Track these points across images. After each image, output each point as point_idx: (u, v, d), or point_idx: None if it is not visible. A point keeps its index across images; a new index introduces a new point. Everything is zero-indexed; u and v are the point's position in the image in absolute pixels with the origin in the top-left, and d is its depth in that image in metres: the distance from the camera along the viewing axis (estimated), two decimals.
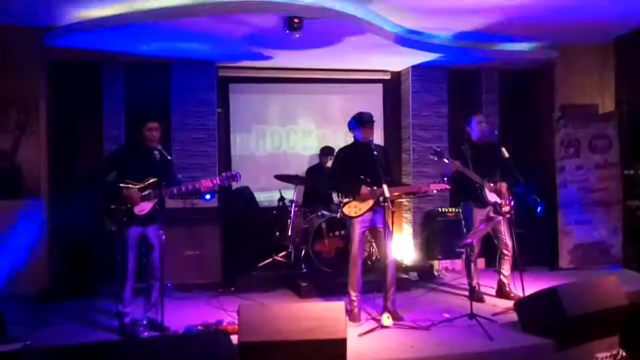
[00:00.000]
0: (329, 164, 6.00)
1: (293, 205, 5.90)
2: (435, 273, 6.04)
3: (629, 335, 3.86)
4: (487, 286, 5.18)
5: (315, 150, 6.64)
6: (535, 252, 6.00)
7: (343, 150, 4.71)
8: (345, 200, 4.46)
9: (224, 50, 5.78)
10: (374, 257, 5.73)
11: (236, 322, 3.54)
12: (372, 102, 6.85)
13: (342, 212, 4.51)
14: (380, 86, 7.10)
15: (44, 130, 5.35)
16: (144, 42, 5.34)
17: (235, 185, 5.98)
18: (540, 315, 3.99)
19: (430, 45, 5.80)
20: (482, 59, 6.35)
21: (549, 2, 4.83)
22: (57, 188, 5.58)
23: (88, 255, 5.54)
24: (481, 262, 5.82)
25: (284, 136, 6.88)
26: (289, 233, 5.85)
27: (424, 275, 5.86)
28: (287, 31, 4.82)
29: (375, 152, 4.40)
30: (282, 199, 6.16)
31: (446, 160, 4.81)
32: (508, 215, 4.85)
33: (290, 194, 6.04)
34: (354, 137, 4.60)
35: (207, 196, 5.57)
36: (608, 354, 3.90)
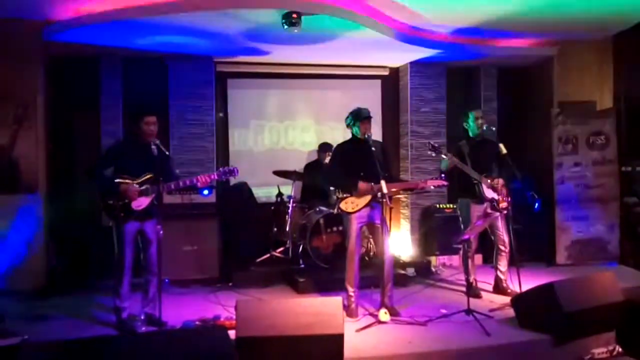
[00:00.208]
0: (327, 159, 5.99)
1: (291, 201, 5.91)
2: (433, 269, 6.05)
3: (625, 331, 3.90)
4: (485, 282, 5.19)
5: (314, 146, 6.64)
6: (533, 248, 6.02)
7: (341, 146, 4.70)
8: (342, 196, 4.46)
9: (221, 45, 5.76)
10: (371, 253, 5.74)
11: (234, 317, 3.54)
12: (371, 97, 6.84)
13: (339, 208, 4.51)
14: (378, 82, 7.10)
15: (41, 125, 5.34)
16: (142, 37, 5.33)
17: (233, 180, 5.98)
18: (537, 311, 4.01)
19: (429, 41, 5.79)
20: (480, 55, 6.34)
21: None
22: (55, 183, 5.58)
23: (85, 250, 5.54)
24: (478, 258, 5.83)
25: (282, 132, 6.87)
26: (287, 229, 5.85)
27: (422, 271, 5.87)
28: (286, 27, 4.81)
29: (373, 148, 4.39)
30: (280, 194, 6.16)
31: (444, 156, 4.82)
32: (505, 212, 4.86)
33: (288, 189, 6.04)
34: (352, 133, 4.59)
35: (205, 191, 5.57)
36: (604, 349, 3.92)
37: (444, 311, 4.42)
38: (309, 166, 6.48)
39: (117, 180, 4.07)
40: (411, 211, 6.76)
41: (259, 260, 5.85)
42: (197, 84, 6.26)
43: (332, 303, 3.50)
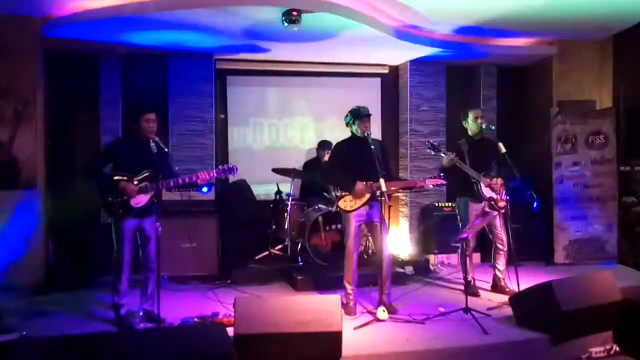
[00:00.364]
0: (327, 158, 5.99)
1: (290, 198, 5.91)
2: (432, 267, 6.06)
3: (623, 330, 3.91)
4: (483, 281, 5.20)
5: (313, 144, 6.64)
6: (531, 248, 6.03)
7: (340, 144, 4.70)
8: (341, 194, 4.46)
9: (222, 42, 5.76)
10: (370, 251, 5.74)
11: (232, 314, 3.55)
12: (371, 96, 6.84)
13: (338, 206, 4.51)
14: (378, 80, 7.09)
15: (41, 122, 5.33)
16: (141, 33, 5.32)
17: (232, 178, 5.97)
18: (535, 310, 4.02)
19: (429, 39, 5.79)
20: (480, 54, 6.34)
21: None
22: (54, 179, 5.57)
23: (84, 247, 5.54)
24: (477, 257, 5.84)
25: (281, 130, 6.87)
26: (286, 226, 5.85)
27: (420, 270, 5.87)
28: (286, 24, 4.81)
29: (372, 147, 4.39)
30: (279, 192, 6.16)
31: (443, 155, 4.82)
32: (504, 211, 4.87)
33: (288, 187, 6.04)
34: (352, 131, 4.59)
35: (205, 189, 5.54)
36: (602, 349, 3.93)
37: (442, 310, 4.43)
38: (308, 164, 6.48)
39: (116, 178, 4.07)
40: (410, 210, 6.76)
41: (257, 258, 5.86)
42: (197, 81, 6.25)
43: (331, 301, 3.51)
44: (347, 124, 4.60)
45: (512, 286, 4.84)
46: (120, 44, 5.65)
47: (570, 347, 3.88)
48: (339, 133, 6.23)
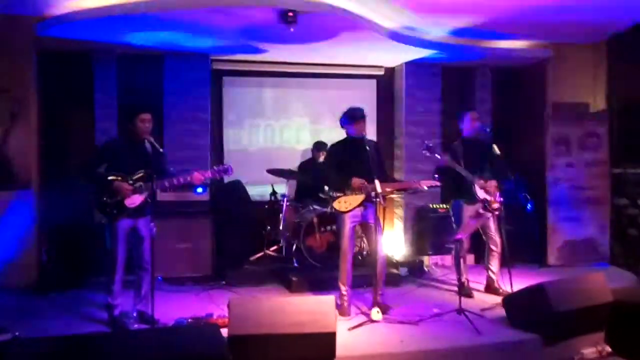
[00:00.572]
0: (322, 158, 6.01)
1: (285, 199, 5.91)
2: (425, 268, 6.08)
3: (615, 331, 3.93)
4: (476, 282, 5.22)
5: (308, 145, 6.64)
6: (524, 249, 6.04)
7: (335, 145, 4.71)
8: (336, 195, 4.47)
9: (217, 43, 5.75)
10: (364, 252, 5.75)
11: (226, 315, 3.54)
12: (366, 97, 6.85)
13: (332, 207, 4.52)
14: (373, 82, 7.10)
15: (35, 121, 5.32)
16: (136, 33, 5.31)
17: (227, 178, 5.97)
18: (528, 311, 4.04)
19: (424, 41, 5.81)
20: (475, 56, 6.37)
21: (543, 0, 4.86)
22: (48, 179, 5.55)
23: (78, 247, 5.52)
24: (470, 259, 5.86)
25: (277, 130, 6.87)
26: (281, 227, 5.86)
27: (414, 271, 5.90)
28: (282, 25, 4.81)
29: (367, 148, 4.41)
30: (274, 193, 6.16)
31: (438, 156, 4.84)
32: (497, 212, 4.89)
33: (283, 188, 6.04)
34: (347, 132, 4.60)
35: (199, 189, 5.57)
36: (593, 349, 3.96)
37: (436, 310, 4.44)
38: (303, 165, 6.48)
39: (110, 177, 4.06)
40: (404, 211, 6.77)
41: (252, 258, 5.86)
42: (193, 82, 6.23)
43: (325, 302, 3.52)
44: (342, 125, 4.61)
45: (505, 287, 4.87)
46: (115, 44, 5.64)
47: (562, 347, 3.90)
48: (334, 134, 6.24)
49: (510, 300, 4.30)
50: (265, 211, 6.17)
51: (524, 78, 7.00)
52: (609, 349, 3.95)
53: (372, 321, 4.18)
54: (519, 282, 4.70)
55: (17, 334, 3.75)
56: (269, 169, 6.00)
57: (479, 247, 5.53)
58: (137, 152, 4.13)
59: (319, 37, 5.52)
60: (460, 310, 4.26)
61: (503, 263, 4.98)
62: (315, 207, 5.76)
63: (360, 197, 4.41)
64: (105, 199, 4.06)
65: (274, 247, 5.98)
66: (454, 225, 5.07)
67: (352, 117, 4.51)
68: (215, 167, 4.28)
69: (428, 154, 4.86)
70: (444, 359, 3.75)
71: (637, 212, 6.25)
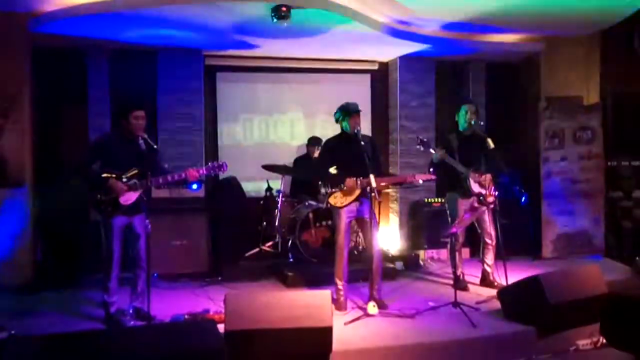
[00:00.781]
0: (317, 154, 6.01)
1: (280, 195, 5.91)
2: (421, 262, 6.10)
3: (609, 322, 3.96)
4: (472, 275, 5.25)
5: (303, 140, 6.64)
6: (519, 242, 6.07)
7: (330, 140, 4.71)
8: (331, 190, 4.47)
9: (210, 38, 5.73)
10: (360, 247, 5.76)
11: (222, 311, 3.55)
12: (360, 92, 6.85)
13: (328, 202, 4.52)
14: (368, 76, 7.10)
15: (28, 119, 5.28)
16: (129, 29, 5.28)
17: (222, 175, 5.95)
18: (523, 303, 4.06)
19: (418, 35, 5.81)
20: (468, 50, 6.38)
21: None
22: (42, 177, 5.52)
23: (73, 245, 5.50)
24: (466, 252, 5.87)
25: (271, 126, 6.86)
26: (276, 223, 5.86)
27: (410, 265, 5.92)
28: (275, 20, 4.80)
29: (362, 143, 4.40)
30: (269, 189, 6.16)
31: (432, 150, 4.85)
32: (492, 206, 4.90)
33: (278, 184, 6.04)
34: (341, 127, 4.60)
35: (194, 186, 5.55)
36: (588, 341, 3.99)
37: (431, 304, 4.46)
38: (298, 160, 6.48)
39: (104, 175, 4.04)
40: (400, 205, 6.79)
41: (248, 254, 5.86)
42: (186, 78, 6.22)
43: (321, 296, 3.52)
44: (337, 120, 4.60)
45: (501, 280, 4.88)
46: (108, 40, 5.60)
47: (557, 339, 3.93)
48: (328, 129, 6.27)
49: (505, 293, 4.33)
50: (260, 207, 6.17)
51: (517, 71, 7.01)
52: (603, 340, 3.98)
53: (368, 315, 4.20)
54: (513, 275, 4.72)
55: (13, 332, 3.74)
56: (264, 165, 6.00)
57: (474, 240, 5.55)
58: (131, 149, 4.11)
59: (312, 32, 5.50)
60: (456, 303, 4.28)
61: (498, 256, 5.00)
62: (311, 202, 5.76)
63: (355, 192, 4.41)
64: (99, 196, 4.04)
65: (270, 243, 5.99)
66: (449, 219, 5.08)
67: (346, 112, 4.50)
68: (210, 164, 4.27)
69: (422, 149, 4.87)
70: (440, 351, 3.77)
71: (631, 205, 6.30)
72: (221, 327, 3.32)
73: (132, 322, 4.13)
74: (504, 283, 4.72)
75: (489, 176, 4.91)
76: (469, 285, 5.05)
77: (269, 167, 6.00)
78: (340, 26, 5.31)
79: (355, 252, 5.68)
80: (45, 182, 5.51)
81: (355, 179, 4.37)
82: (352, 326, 4.05)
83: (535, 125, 6.39)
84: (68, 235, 5.54)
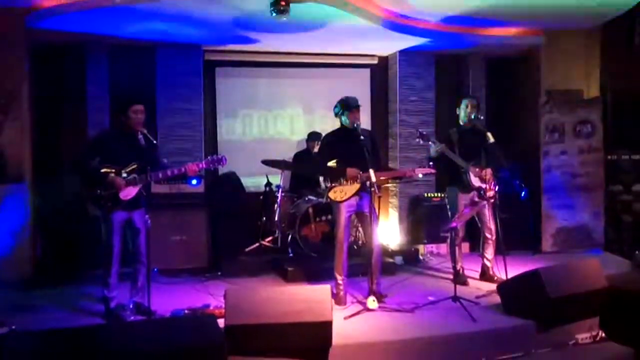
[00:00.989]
0: (316, 149, 5.99)
1: (280, 190, 5.90)
2: (421, 257, 6.11)
3: (609, 316, 3.96)
4: (471, 270, 5.25)
5: (303, 135, 6.62)
6: (519, 236, 6.07)
7: (329, 135, 4.70)
8: (331, 185, 4.47)
9: (210, 33, 5.71)
10: (360, 242, 5.76)
11: (223, 305, 3.55)
12: (360, 86, 6.82)
13: (328, 197, 4.52)
14: (367, 71, 7.07)
15: (27, 114, 5.27)
16: (128, 24, 5.26)
17: (221, 170, 5.96)
18: (523, 297, 4.07)
19: (417, 29, 5.78)
20: (468, 44, 6.35)
21: None
22: (41, 173, 5.51)
23: (72, 241, 5.51)
24: (465, 246, 5.89)
25: (271, 121, 6.84)
26: (276, 218, 5.86)
27: (410, 259, 5.93)
28: (274, 14, 4.78)
29: (362, 137, 4.40)
30: (269, 184, 6.16)
31: (432, 144, 4.84)
32: (492, 200, 4.90)
33: (277, 179, 6.03)
34: (341, 122, 4.59)
35: (194, 181, 5.55)
36: (588, 334, 3.99)
37: (431, 298, 4.47)
38: (298, 155, 6.47)
39: (103, 170, 4.04)
40: (399, 200, 6.79)
41: (247, 249, 5.86)
42: (185, 73, 6.20)
43: (321, 291, 3.53)
44: (336, 115, 4.60)
45: (500, 274, 4.89)
46: (107, 35, 5.58)
47: (556, 333, 3.93)
48: (328, 124, 6.25)
49: (505, 287, 4.33)
50: (260, 202, 6.16)
51: (517, 65, 6.99)
52: (603, 334, 3.98)
53: (368, 310, 4.20)
54: (513, 269, 4.72)
55: (13, 327, 3.75)
56: (263, 160, 5.98)
57: (474, 235, 5.56)
58: (130, 144, 4.11)
59: (312, 26, 5.48)
60: (456, 298, 4.29)
61: (498, 250, 5.00)
62: (310, 197, 5.76)
63: (355, 187, 4.41)
64: (99, 191, 4.04)
65: (269, 238, 5.98)
66: (449, 214, 5.08)
67: (346, 107, 4.49)
68: (209, 158, 4.26)
69: (421, 142, 4.86)
70: (440, 346, 3.77)
71: (631, 199, 6.30)
72: (221, 322, 3.34)
73: (132, 317, 4.14)
74: (503, 277, 4.73)
75: (489, 170, 4.90)
76: (469, 280, 5.06)
77: (269, 162, 5.99)
78: (340, 20, 5.29)
79: (355, 247, 5.68)
80: (44, 178, 5.50)
81: (356, 169, 4.37)
82: (352, 320, 4.06)
83: (535, 119, 6.37)
84: (68, 230, 5.54)
